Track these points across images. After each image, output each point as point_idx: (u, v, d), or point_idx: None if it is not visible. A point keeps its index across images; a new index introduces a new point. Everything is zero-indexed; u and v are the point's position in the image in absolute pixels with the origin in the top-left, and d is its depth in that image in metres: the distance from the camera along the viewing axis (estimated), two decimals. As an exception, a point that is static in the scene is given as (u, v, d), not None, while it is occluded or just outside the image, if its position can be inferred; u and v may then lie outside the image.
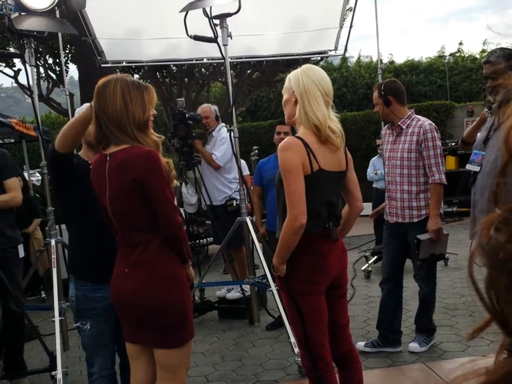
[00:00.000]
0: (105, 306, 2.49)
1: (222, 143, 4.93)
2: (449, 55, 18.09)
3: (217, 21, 4.09)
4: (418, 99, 13.80)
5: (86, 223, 2.52)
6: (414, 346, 3.69)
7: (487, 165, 2.90)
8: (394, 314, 3.77)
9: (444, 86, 15.34)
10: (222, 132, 5.02)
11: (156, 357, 2.18)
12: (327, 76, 2.35)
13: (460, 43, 18.90)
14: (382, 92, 3.54)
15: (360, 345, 3.70)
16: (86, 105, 2.36)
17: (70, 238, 2.69)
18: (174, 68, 12.68)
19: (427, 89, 15.68)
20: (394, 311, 3.77)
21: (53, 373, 3.47)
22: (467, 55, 17.50)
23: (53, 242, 3.95)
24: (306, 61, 8.41)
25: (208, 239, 6.59)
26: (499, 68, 2.78)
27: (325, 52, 6.65)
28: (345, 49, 6.34)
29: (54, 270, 3.89)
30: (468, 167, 3.06)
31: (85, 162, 2.59)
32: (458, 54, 17.90)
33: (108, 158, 2.12)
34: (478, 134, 3.18)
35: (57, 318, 3.72)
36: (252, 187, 5.01)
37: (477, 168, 2.99)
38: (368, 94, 15.50)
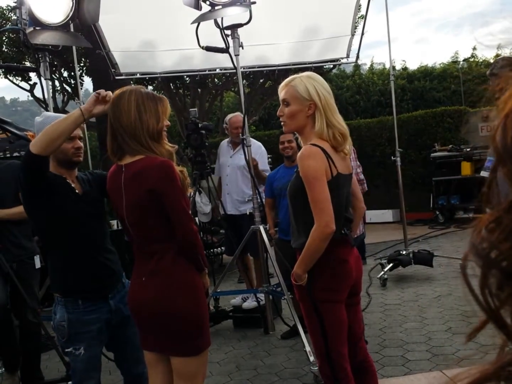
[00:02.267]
0: (99, 328, 2.43)
1: (260, 154, 4.89)
2: (463, 60, 17.99)
3: (228, 32, 4.13)
4: (432, 105, 13.73)
5: (72, 239, 2.40)
6: None
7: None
8: None
9: (459, 91, 15.25)
10: (255, 142, 4.99)
11: (173, 365, 2.19)
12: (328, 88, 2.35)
13: (474, 48, 18.78)
14: None
15: None
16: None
17: (54, 258, 2.48)
18: (187, 79, 12.78)
19: (441, 94, 15.59)
20: None
21: (69, 383, 3.48)
22: (481, 60, 17.39)
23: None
24: (318, 69, 8.42)
25: (222, 248, 6.60)
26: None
27: (337, 60, 6.67)
28: (357, 57, 6.35)
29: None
30: (483, 173, 3.02)
31: (58, 176, 2.43)
32: (472, 59, 17.80)
33: (123, 169, 2.15)
34: None
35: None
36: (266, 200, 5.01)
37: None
38: (382, 101, 15.47)
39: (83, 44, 4.30)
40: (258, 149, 4.96)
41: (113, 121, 2.17)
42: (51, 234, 2.44)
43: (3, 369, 3.61)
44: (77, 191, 2.45)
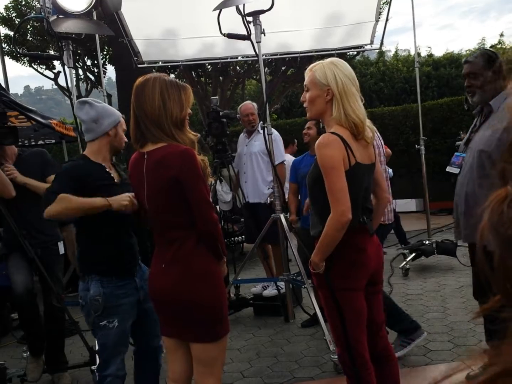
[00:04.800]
0: (131, 302, 2.58)
1: (275, 143, 4.82)
2: (490, 47, 17.61)
3: (250, 19, 4.09)
4: (457, 93, 13.47)
5: (107, 223, 2.52)
6: None
7: (465, 166, 2.86)
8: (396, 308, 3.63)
9: (485, 78, 14.91)
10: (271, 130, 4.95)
11: (192, 351, 2.21)
12: (353, 73, 2.30)
13: (501, 35, 18.38)
14: None
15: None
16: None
17: (88, 241, 2.62)
18: (209, 67, 12.78)
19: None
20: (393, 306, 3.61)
21: (92, 367, 3.53)
22: (508, 47, 17.00)
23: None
24: (341, 56, 8.31)
25: (242, 236, 6.60)
26: (477, 67, 2.82)
27: (361, 46, 6.57)
28: (381, 43, 6.23)
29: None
30: (448, 169, 3.01)
31: (97, 165, 2.57)
32: (499, 46, 17.41)
33: (146, 157, 2.16)
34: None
35: (96, 314, 3.80)
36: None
37: (456, 170, 2.94)
38: (406, 88, 15.24)
39: (106, 32, 4.32)
40: (275, 136, 4.90)
41: (136, 108, 2.17)
42: (88, 218, 2.55)
43: (28, 353, 3.69)
44: (115, 180, 2.61)
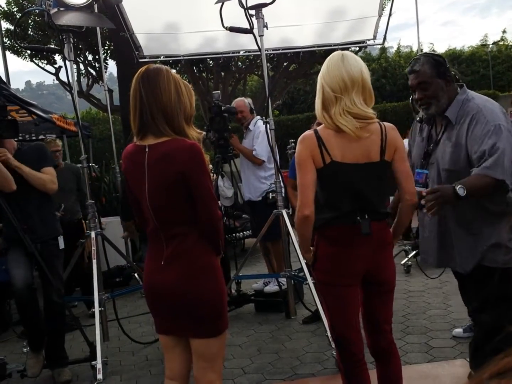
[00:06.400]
0: None
1: (262, 138, 4.76)
2: (492, 43, 17.56)
3: (252, 12, 4.06)
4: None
5: None
6: (457, 331, 3.77)
7: (431, 185, 2.57)
8: None
9: (487, 75, 14.90)
10: (259, 126, 4.91)
11: (193, 347, 2.17)
12: (337, 67, 2.21)
13: (504, 31, 18.32)
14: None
15: (459, 332, 3.74)
16: None
17: None
18: (210, 62, 12.74)
19: (469, 79, 15.30)
20: None
21: (93, 363, 3.53)
22: (511, 44, 16.94)
23: (93, 234, 4.02)
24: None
25: (244, 232, 6.58)
26: (427, 76, 2.51)
27: (363, 41, 6.53)
28: (384, 38, 6.18)
29: (94, 262, 3.95)
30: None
31: None
32: (501, 43, 17.36)
33: (147, 150, 2.09)
34: (414, 151, 2.81)
35: (97, 309, 3.79)
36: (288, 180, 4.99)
37: (423, 190, 2.62)
38: (408, 84, 15.19)
39: (107, 25, 4.29)
40: (260, 128, 4.86)
41: (147, 97, 2.07)
42: None
43: (28, 348, 3.67)
44: None
